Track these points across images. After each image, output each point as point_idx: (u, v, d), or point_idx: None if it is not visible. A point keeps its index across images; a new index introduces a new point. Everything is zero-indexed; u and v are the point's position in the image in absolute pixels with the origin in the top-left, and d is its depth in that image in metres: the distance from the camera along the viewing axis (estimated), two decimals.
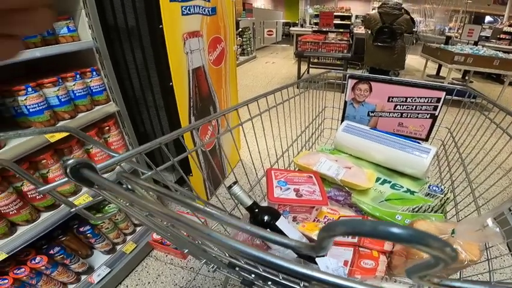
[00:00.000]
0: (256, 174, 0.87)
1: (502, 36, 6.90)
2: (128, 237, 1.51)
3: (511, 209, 1.45)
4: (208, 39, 1.62)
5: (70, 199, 1.10)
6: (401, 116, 0.98)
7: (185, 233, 0.38)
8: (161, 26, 1.24)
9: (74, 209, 0.36)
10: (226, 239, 0.20)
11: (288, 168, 0.95)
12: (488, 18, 9.25)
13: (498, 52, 4.20)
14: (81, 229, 1.25)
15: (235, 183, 0.59)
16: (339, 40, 5.60)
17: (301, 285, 0.42)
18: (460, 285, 0.20)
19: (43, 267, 1.07)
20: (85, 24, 1.09)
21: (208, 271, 1.48)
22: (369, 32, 3.85)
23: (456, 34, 6.86)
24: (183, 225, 0.21)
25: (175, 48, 1.35)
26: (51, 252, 1.13)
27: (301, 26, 8.90)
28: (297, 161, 0.86)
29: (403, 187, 0.83)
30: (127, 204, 0.31)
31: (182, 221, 0.21)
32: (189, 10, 1.39)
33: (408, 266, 0.19)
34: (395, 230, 0.15)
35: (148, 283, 1.43)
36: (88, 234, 1.27)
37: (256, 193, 0.87)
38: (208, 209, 0.22)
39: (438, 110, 0.92)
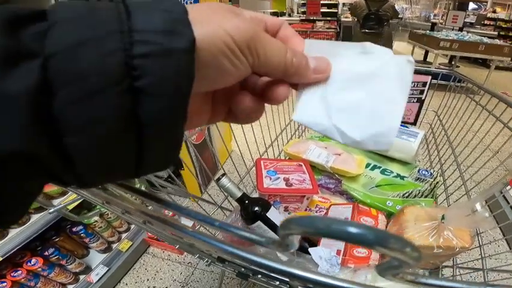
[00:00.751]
0: (246, 165, 0.87)
1: (486, 22, 6.99)
2: (123, 235, 1.50)
3: (502, 192, 1.49)
4: None
5: (59, 200, 1.08)
6: None
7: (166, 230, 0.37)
8: None
9: (52, 209, 0.35)
10: (200, 236, 0.19)
11: (279, 158, 0.94)
12: (472, 5, 9.34)
13: (483, 38, 4.27)
14: (74, 229, 1.25)
15: (223, 175, 0.59)
16: (326, 28, 5.58)
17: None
18: (434, 282, 0.19)
19: (40, 269, 1.08)
20: None
21: (207, 266, 1.48)
22: (356, 19, 3.85)
23: (441, 21, 6.91)
24: (157, 223, 0.20)
25: None
26: (46, 253, 1.13)
27: (289, 15, 8.80)
28: (287, 149, 0.85)
29: (393, 172, 0.83)
30: (104, 202, 0.30)
31: (155, 217, 0.20)
32: None
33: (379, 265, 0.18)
34: (352, 229, 0.13)
35: (147, 280, 1.43)
36: (82, 234, 1.27)
37: (247, 184, 0.86)
38: (177, 206, 0.21)
39: (424, 94, 0.93)
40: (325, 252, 0.60)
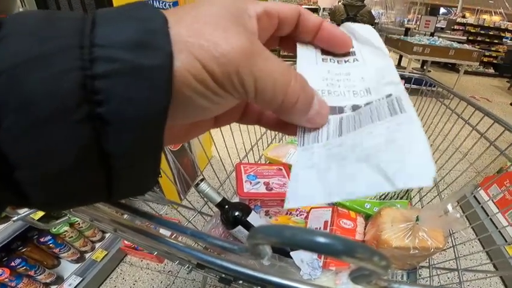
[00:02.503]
0: (226, 170, 0.86)
1: (456, 27, 7.40)
2: (97, 245, 1.44)
3: (473, 193, 1.57)
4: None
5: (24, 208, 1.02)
6: None
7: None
8: None
9: (16, 217, 0.32)
10: (174, 243, 0.18)
11: (259, 162, 0.94)
12: (442, 10, 9.85)
13: (453, 42, 4.51)
14: (41, 239, 1.19)
15: (202, 180, 0.57)
16: None
17: None
18: None
19: (7, 280, 1.04)
20: None
21: (187, 273, 1.45)
22: (335, 23, 3.94)
23: (414, 26, 7.24)
24: (128, 230, 0.19)
25: None
26: (13, 264, 1.08)
27: None
28: (267, 154, 0.85)
29: None
30: (71, 210, 0.28)
31: (125, 225, 0.19)
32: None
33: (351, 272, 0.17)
34: (319, 239, 0.13)
35: None
36: (50, 245, 1.21)
37: (227, 190, 0.85)
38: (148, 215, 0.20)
39: None
40: (306, 256, 0.60)
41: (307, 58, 0.21)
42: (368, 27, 0.23)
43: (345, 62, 0.21)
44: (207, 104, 0.15)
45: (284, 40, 0.22)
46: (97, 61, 0.12)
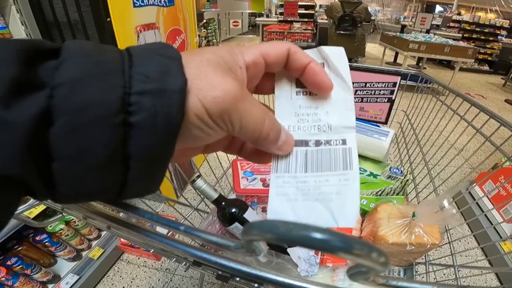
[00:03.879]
0: (222, 167, 0.85)
1: (451, 24, 7.42)
2: (94, 243, 1.44)
3: (468, 189, 1.58)
4: (166, 31, 1.54)
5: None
6: (362, 101, 1.01)
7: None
8: (109, 19, 1.15)
9: None
10: (169, 241, 0.18)
11: None
12: (438, 7, 9.87)
13: (448, 39, 4.52)
14: (37, 238, 1.18)
15: (198, 176, 0.57)
16: (303, 29, 5.67)
17: None
18: (406, 285, 0.19)
19: (3, 278, 1.04)
20: (17, 21, 1.02)
21: (185, 271, 1.45)
22: (332, 20, 3.94)
23: (410, 23, 7.25)
24: (122, 228, 0.19)
25: (128, 42, 1.26)
26: (9, 263, 1.08)
27: (267, 16, 8.84)
28: None
29: (367, 171, 0.86)
30: (63, 208, 0.27)
31: (119, 221, 0.19)
32: (142, 1, 1.30)
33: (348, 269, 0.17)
34: (316, 235, 0.12)
35: (123, 287, 1.37)
36: (46, 243, 1.20)
37: (224, 187, 0.85)
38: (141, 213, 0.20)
39: (394, 94, 0.96)
40: (303, 252, 0.60)
41: (284, 91, 0.25)
42: (341, 53, 0.25)
43: (315, 94, 0.25)
44: (201, 135, 0.19)
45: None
46: (134, 82, 0.15)
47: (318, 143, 0.24)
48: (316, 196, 0.23)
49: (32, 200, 1.08)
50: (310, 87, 0.24)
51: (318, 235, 0.12)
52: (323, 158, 0.24)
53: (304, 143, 0.24)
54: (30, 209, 1.03)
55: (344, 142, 0.24)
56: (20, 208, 0.39)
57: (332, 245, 0.12)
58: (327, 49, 0.25)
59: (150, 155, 0.16)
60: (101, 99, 0.14)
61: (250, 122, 0.20)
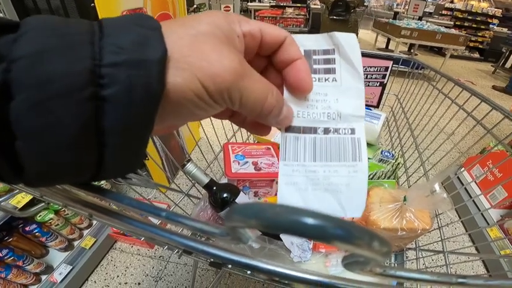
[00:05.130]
0: (213, 151, 0.84)
1: (443, 12, 7.39)
2: (86, 232, 1.42)
3: (456, 173, 1.59)
4: (154, 16, 1.48)
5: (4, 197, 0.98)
6: None
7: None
8: (93, 4, 1.10)
9: None
10: (152, 228, 0.17)
11: (247, 142, 0.93)
12: None
13: (440, 27, 4.52)
14: (27, 228, 1.16)
15: (188, 161, 0.56)
16: (296, 15, 5.57)
17: None
18: (406, 274, 0.18)
19: None
20: None
21: (178, 258, 1.45)
22: (325, 6, 3.88)
23: (403, 10, 7.20)
24: (100, 214, 0.18)
25: None
26: (0, 255, 1.05)
27: (259, 0, 8.65)
28: None
29: None
30: (42, 196, 0.26)
31: (99, 208, 0.18)
32: None
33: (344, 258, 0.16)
34: (308, 220, 0.10)
35: (117, 276, 1.37)
36: (36, 233, 1.18)
37: (216, 172, 0.84)
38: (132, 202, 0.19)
39: (386, 78, 0.96)
40: (296, 238, 0.60)
41: None
42: (354, 39, 0.24)
43: (325, 80, 0.24)
44: (198, 112, 0.18)
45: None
46: (106, 53, 0.14)
47: (327, 131, 0.24)
48: (326, 186, 0.23)
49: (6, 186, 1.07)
50: (290, 83, 0.23)
51: (310, 220, 0.10)
52: (332, 146, 0.24)
53: (313, 130, 0.24)
54: (17, 198, 1.01)
55: (352, 131, 0.24)
56: (1, 197, 0.37)
57: (328, 232, 0.10)
58: (339, 35, 0.24)
59: (126, 129, 0.15)
60: (66, 71, 0.13)
61: (251, 99, 0.19)
